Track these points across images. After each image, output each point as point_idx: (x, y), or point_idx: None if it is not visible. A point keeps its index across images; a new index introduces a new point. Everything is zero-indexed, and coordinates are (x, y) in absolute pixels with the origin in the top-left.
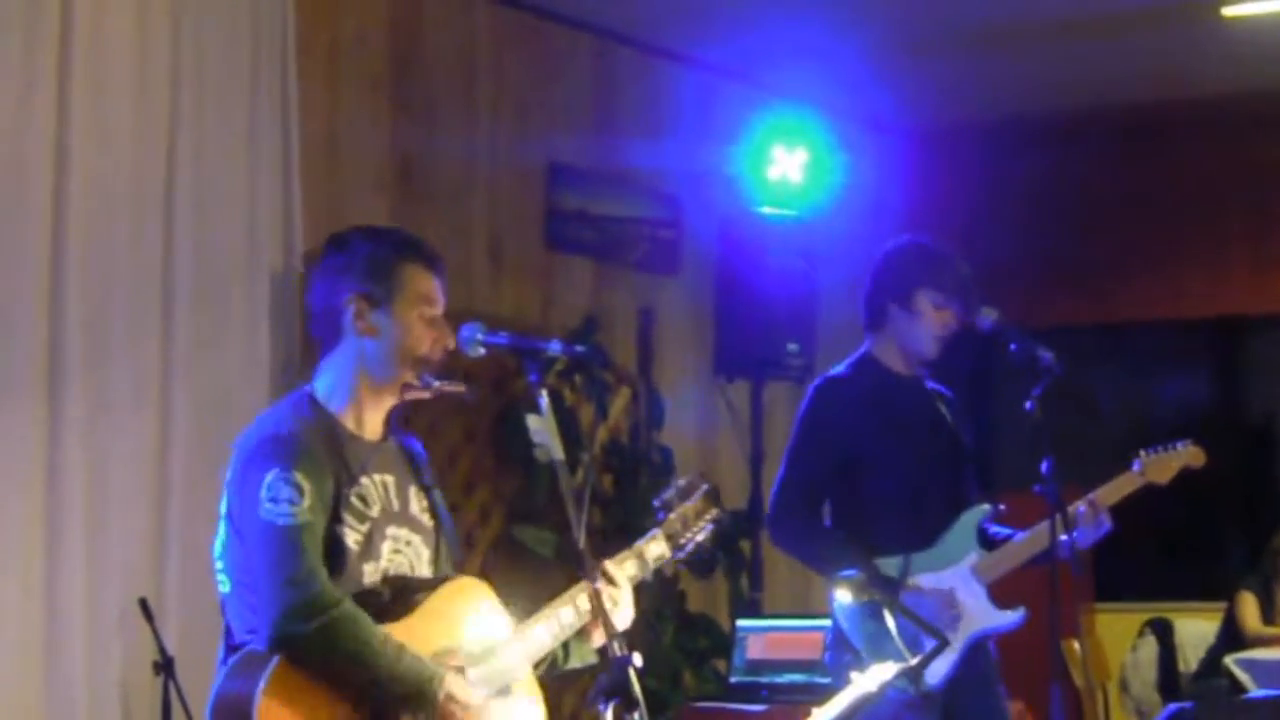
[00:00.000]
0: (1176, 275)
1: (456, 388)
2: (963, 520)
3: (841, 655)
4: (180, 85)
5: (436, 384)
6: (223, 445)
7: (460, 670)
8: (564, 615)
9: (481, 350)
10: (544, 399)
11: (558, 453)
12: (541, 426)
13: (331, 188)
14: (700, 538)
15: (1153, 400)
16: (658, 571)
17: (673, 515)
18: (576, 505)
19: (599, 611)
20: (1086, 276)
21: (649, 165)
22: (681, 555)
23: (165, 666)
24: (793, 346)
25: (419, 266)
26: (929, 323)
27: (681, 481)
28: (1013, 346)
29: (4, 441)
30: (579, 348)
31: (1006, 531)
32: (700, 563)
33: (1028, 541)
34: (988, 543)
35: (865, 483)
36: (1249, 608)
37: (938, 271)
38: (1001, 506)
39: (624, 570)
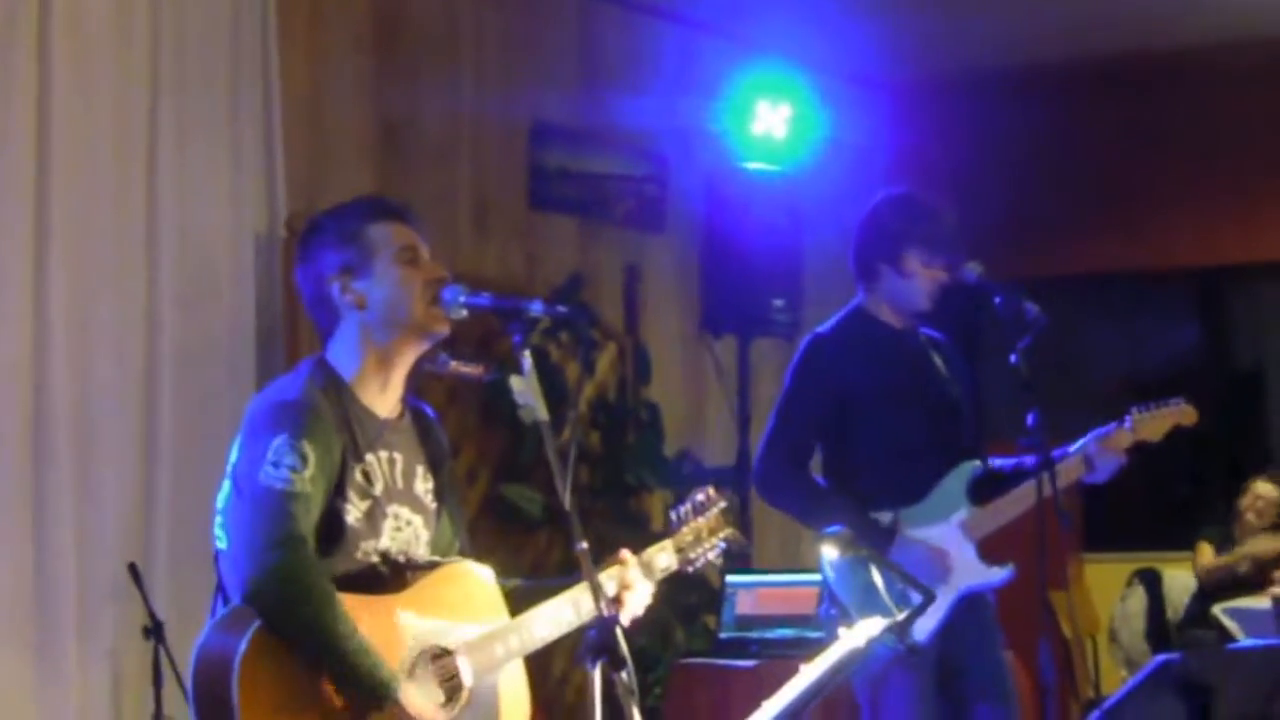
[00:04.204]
0: (1163, 225)
1: (474, 369)
2: (952, 476)
3: (830, 609)
4: (161, 50)
5: (453, 364)
6: (208, 409)
7: (448, 655)
8: (564, 613)
9: (464, 313)
10: (527, 361)
11: (542, 414)
12: (525, 388)
13: (315, 151)
14: (711, 555)
15: (1139, 351)
16: (649, 528)
17: (686, 529)
18: (562, 466)
19: (588, 574)
20: (1073, 228)
21: (632, 122)
22: (689, 570)
23: (155, 631)
24: (779, 302)
25: (384, 222)
26: (919, 281)
27: (700, 496)
28: (997, 299)
29: None
30: (561, 308)
31: (1009, 463)
32: None
33: (1017, 498)
34: (979, 496)
35: (855, 437)
36: (1204, 554)
37: (924, 228)
38: (993, 462)
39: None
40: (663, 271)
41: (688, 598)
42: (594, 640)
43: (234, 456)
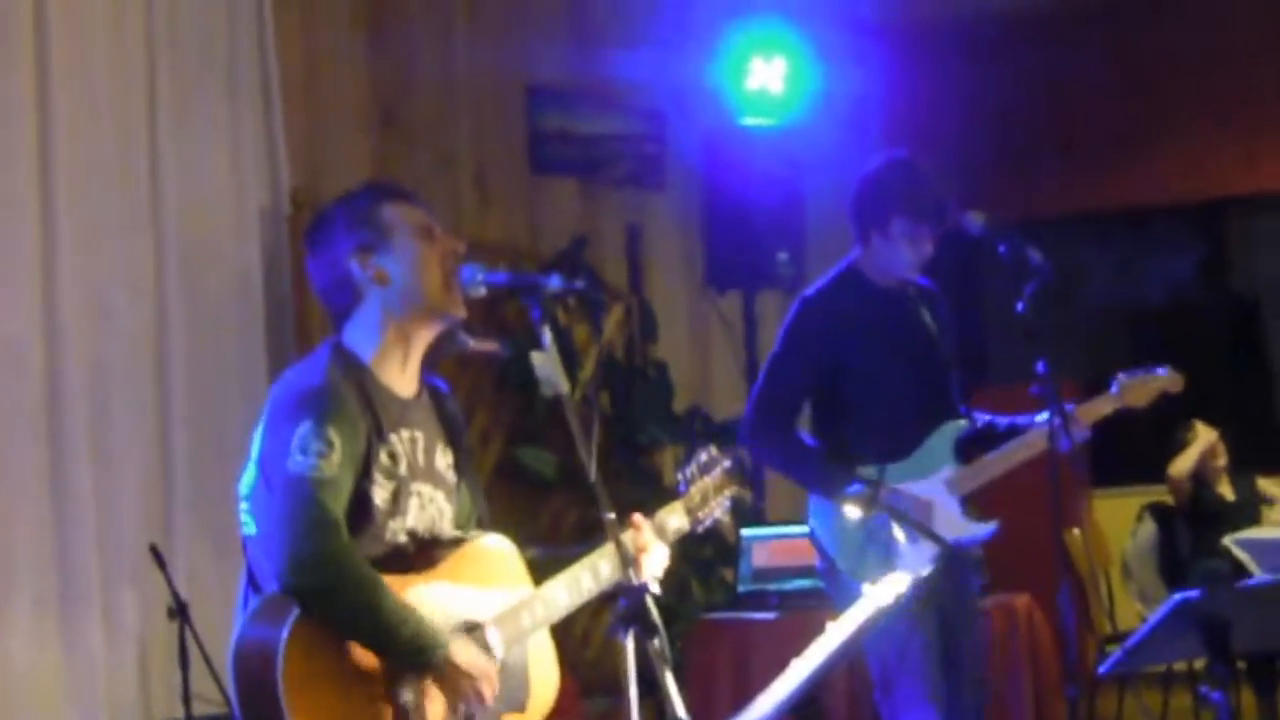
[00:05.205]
0: (1163, 160)
1: (490, 346)
2: (939, 433)
3: (822, 563)
4: (156, 23)
5: (472, 343)
6: (220, 386)
7: (479, 628)
8: (584, 580)
9: (483, 290)
10: (547, 335)
11: (563, 388)
12: (546, 362)
13: (313, 124)
14: (719, 514)
15: (1140, 286)
16: (662, 484)
17: (694, 489)
18: (585, 438)
19: (618, 544)
20: (1073, 165)
21: (629, 81)
22: (700, 530)
23: (180, 611)
24: (782, 255)
25: (398, 202)
26: (905, 249)
27: (704, 455)
28: (1001, 249)
29: (6, 403)
30: (579, 283)
31: (994, 425)
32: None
33: (1003, 457)
34: (971, 446)
35: (844, 398)
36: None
37: (912, 197)
38: (980, 419)
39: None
40: (665, 229)
41: (703, 552)
42: (625, 609)
43: (259, 444)
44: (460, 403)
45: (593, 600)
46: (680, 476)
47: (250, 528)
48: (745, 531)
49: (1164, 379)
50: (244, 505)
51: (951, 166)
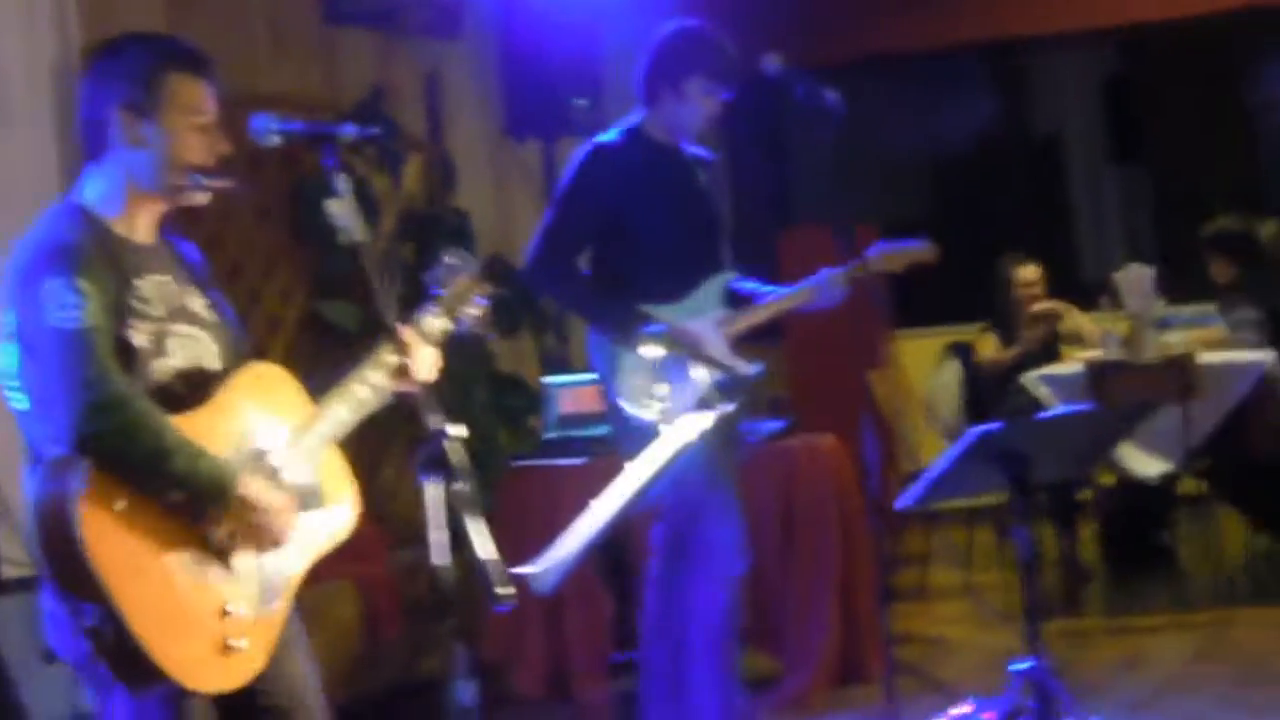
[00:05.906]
0: (956, 2)
1: (224, 184)
2: (711, 282)
3: (605, 402)
4: None
5: (205, 182)
6: (15, 239)
7: (264, 455)
8: (360, 392)
9: (277, 140)
10: (342, 183)
11: (361, 235)
12: (342, 210)
13: None
14: (474, 312)
15: (943, 127)
16: (465, 335)
17: (447, 291)
18: (384, 284)
19: (411, 382)
20: (866, 11)
21: None
22: (460, 329)
23: None
24: (581, 102)
25: (188, 75)
26: (696, 107)
27: (449, 260)
28: (799, 90)
29: None
30: (374, 129)
31: (757, 289)
32: (502, 323)
33: (770, 304)
34: (734, 302)
35: (623, 245)
36: (986, 346)
37: (706, 59)
38: (743, 289)
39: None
40: (463, 78)
41: (510, 400)
42: (427, 455)
43: (11, 315)
44: (260, 260)
45: (398, 450)
46: (429, 281)
47: (22, 403)
48: (549, 379)
49: (918, 250)
50: (11, 385)
51: (747, 18)
